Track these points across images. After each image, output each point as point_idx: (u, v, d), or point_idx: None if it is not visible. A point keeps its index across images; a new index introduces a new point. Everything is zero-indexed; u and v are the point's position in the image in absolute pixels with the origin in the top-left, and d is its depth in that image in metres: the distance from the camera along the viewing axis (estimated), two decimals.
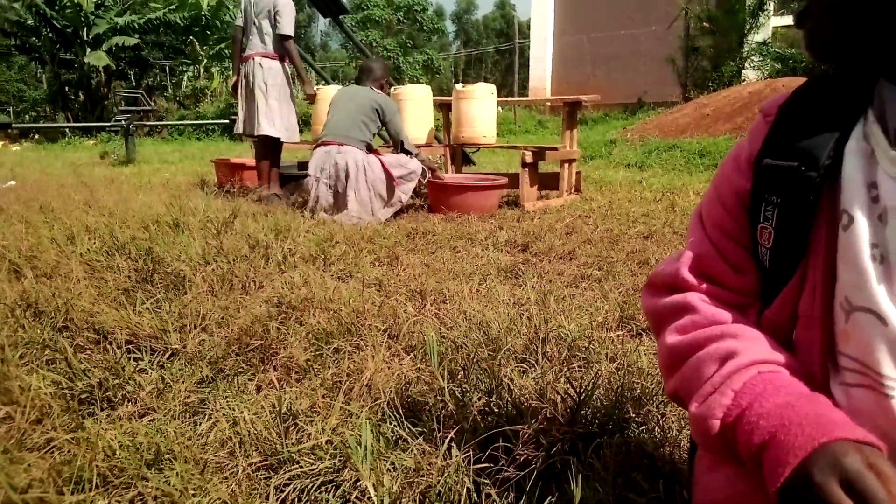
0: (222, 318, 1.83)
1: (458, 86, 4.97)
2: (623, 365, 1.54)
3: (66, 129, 14.30)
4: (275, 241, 2.70)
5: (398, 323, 1.77)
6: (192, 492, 1.05)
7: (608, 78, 16.38)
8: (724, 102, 9.41)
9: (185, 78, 17.61)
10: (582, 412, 1.25)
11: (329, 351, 1.61)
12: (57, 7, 15.34)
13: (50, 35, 15.84)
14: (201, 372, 1.54)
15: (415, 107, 5.04)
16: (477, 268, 2.67)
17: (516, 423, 1.12)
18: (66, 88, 16.97)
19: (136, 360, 1.60)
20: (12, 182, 5.65)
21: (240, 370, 1.57)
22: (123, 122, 9.06)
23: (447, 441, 1.06)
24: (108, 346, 1.66)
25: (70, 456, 1.17)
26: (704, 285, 0.71)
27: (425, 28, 28.57)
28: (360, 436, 1.05)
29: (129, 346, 1.68)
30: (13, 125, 13.18)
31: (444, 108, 5.53)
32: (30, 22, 15.67)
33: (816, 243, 0.62)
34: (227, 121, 11.61)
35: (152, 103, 14.95)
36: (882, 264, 0.57)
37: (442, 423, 1.15)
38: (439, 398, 1.25)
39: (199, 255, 2.41)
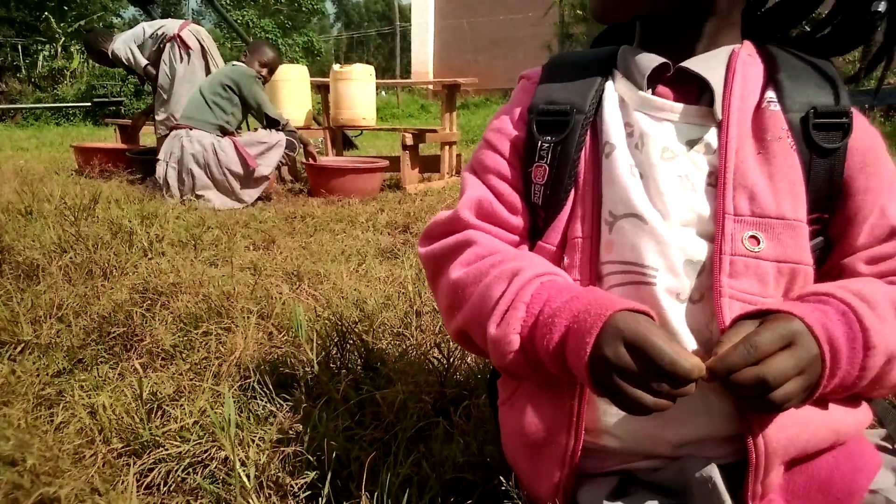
0: (80, 306, 1.73)
1: (336, 66, 4.91)
2: None
3: None
4: (140, 227, 2.57)
5: (271, 303, 1.75)
6: (46, 482, 1.00)
7: (489, 63, 16.66)
8: None
9: (41, 58, 16.18)
10: (453, 377, 1.30)
11: (198, 335, 1.56)
12: None
13: None
14: (57, 363, 1.45)
15: (291, 88, 4.93)
16: (356, 249, 2.67)
17: (387, 391, 1.15)
18: None
19: None
20: None
21: (101, 359, 1.50)
22: None
23: (316, 411, 1.07)
24: None
25: None
26: (483, 225, 0.79)
27: (304, 9, 27.83)
28: (226, 414, 1.04)
29: None
30: None
31: (322, 90, 5.44)
32: None
33: (584, 175, 0.75)
34: (88, 104, 10.79)
35: (2, 85, 13.64)
36: (641, 179, 0.71)
37: (312, 395, 1.16)
38: (308, 370, 1.25)
39: (55, 244, 2.25)
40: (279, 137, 4.07)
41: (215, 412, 1.05)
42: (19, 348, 1.54)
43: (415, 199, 4.14)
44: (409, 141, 4.50)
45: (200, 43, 4.60)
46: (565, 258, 0.75)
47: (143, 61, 4.56)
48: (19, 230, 2.38)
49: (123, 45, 4.57)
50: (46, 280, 1.93)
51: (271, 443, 1.03)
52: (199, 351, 1.50)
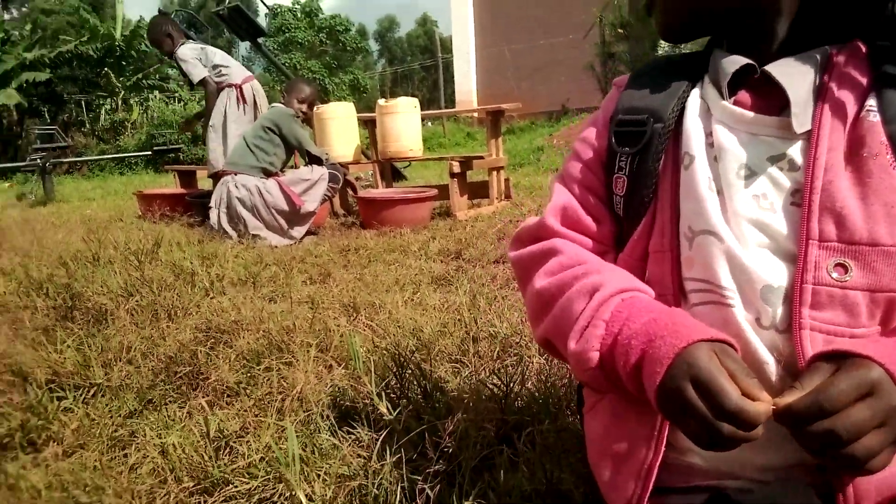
0: (148, 348, 1.78)
1: (381, 101, 4.99)
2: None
3: None
4: (201, 268, 2.65)
5: (329, 336, 1.77)
6: None
7: (532, 88, 16.71)
8: None
9: (103, 111, 17.02)
10: (514, 403, 1.28)
11: (260, 370, 1.59)
12: None
13: None
14: (128, 405, 1.49)
15: (340, 125, 5.03)
16: (410, 278, 2.68)
17: (448, 420, 1.14)
18: None
19: (59, 398, 1.54)
20: None
21: (169, 399, 1.53)
22: (39, 160, 8.67)
23: (379, 443, 1.06)
24: (29, 387, 1.59)
25: None
26: (568, 232, 0.78)
27: (349, 48, 28.55)
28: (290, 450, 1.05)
29: (52, 386, 1.61)
30: None
31: (370, 125, 5.54)
32: None
33: (663, 187, 0.71)
34: (149, 153, 11.27)
35: (69, 139, 14.37)
36: (718, 194, 0.67)
37: (374, 427, 1.15)
38: (368, 402, 1.25)
39: (122, 288, 2.34)
40: (321, 172, 4.16)
41: (280, 448, 1.06)
42: (92, 391, 1.60)
43: (465, 225, 4.14)
44: (457, 169, 4.53)
45: (255, 99, 4.82)
46: (647, 271, 0.73)
47: (203, 73, 4.72)
48: (88, 277, 2.48)
49: (191, 52, 4.73)
50: (115, 324, 2.00)
51: (336, 477, 1.03)
52: (262, 386, 1.52)
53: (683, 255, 0.69)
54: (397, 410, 1.19)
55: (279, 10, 26.28)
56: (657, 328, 0.61)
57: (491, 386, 1.33)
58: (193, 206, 4.84)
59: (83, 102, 17.68)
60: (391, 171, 5.65)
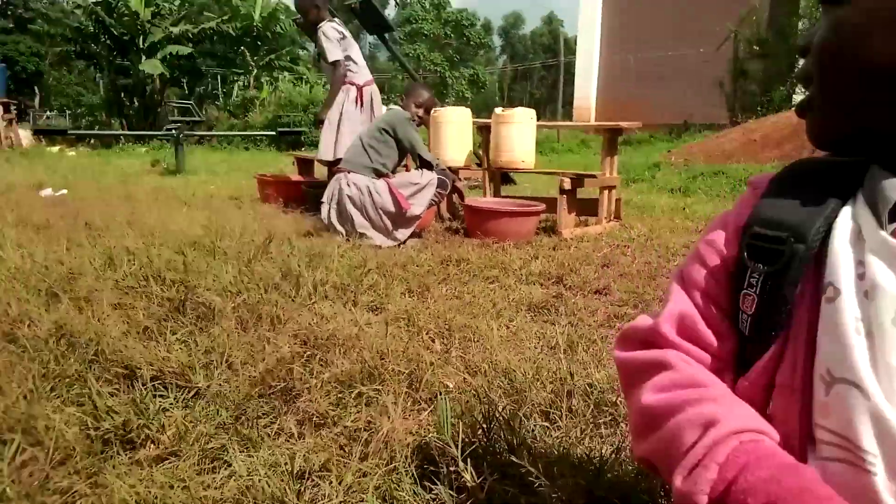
0: (248, 354, 1.84)
1: (498, 110, 4.95)
2: None
3: (121, 136, 14.77)
4: (307, 270, 2.72)
5: (422, 367, 1.75)
6: None
7: (654, 98, 16.15)
8: (772, 129, 9.12)
9: (236, 87, 18.04)
10: (605, 475, 1.21)
11: (351, 396, 1.60)
12: (115, 15, 15.90)
13: (108, 42, 16.41)
14: (222, 415, 1.54)
15: (454, 129, 5.05)
16: (508, 303, 2.64)
17: (533, 495, 1.09)
18: (122, 94, 17.49)
19: (161, 397, 1.61)
20: (64, 191, 5.85)
21: (262, 413, 1.57)
22: (174, 131, 9.33)
23: None
24: (135, 383, 1.68)
25: None
26: (683, 344, 0.70)
27: (472, 43, 28.71)
28: None
29: (156, 383, 1.69)
30: (69, 131, 13.65)
31: (484, 131, 5.52)
32: (90, 28, 16.25)
33: (799, 315, 0.63)
34: (273, 132, 11.85)
35: (202, 114, 15.36)
36: (866, 338, 0.58)
37: (456, 488, 1.13)
38: (452, 468, 1.22)
39: (231, 283, 2.43)
40: (430, 177, 4.19)
41: (361, 496, 1.05)
42: (192, 393, 1.66)
43: (570, 245, 4.04)
44: (567, 185, 4.42)
45: (371, 103, 4.98)
46: (771, 405, 0.65)
47: (339, 55, 4.86)
48: (202, 270, 2.60)
49: (335, 33, 4.90)
50: (221, 323, 2.08)
51: None
52: (350, 413, 1.53)
53: (818, 400, 0.60)
54: (482, 477, 1.15)
55: (409, 0, 26.80)
56: (780, 490, 0.53)
57: (580, 458, 1.27)
58: (308, 196, 5.02)
59: (219, 77, 18.78)
60: (500, 175, 5.61)
